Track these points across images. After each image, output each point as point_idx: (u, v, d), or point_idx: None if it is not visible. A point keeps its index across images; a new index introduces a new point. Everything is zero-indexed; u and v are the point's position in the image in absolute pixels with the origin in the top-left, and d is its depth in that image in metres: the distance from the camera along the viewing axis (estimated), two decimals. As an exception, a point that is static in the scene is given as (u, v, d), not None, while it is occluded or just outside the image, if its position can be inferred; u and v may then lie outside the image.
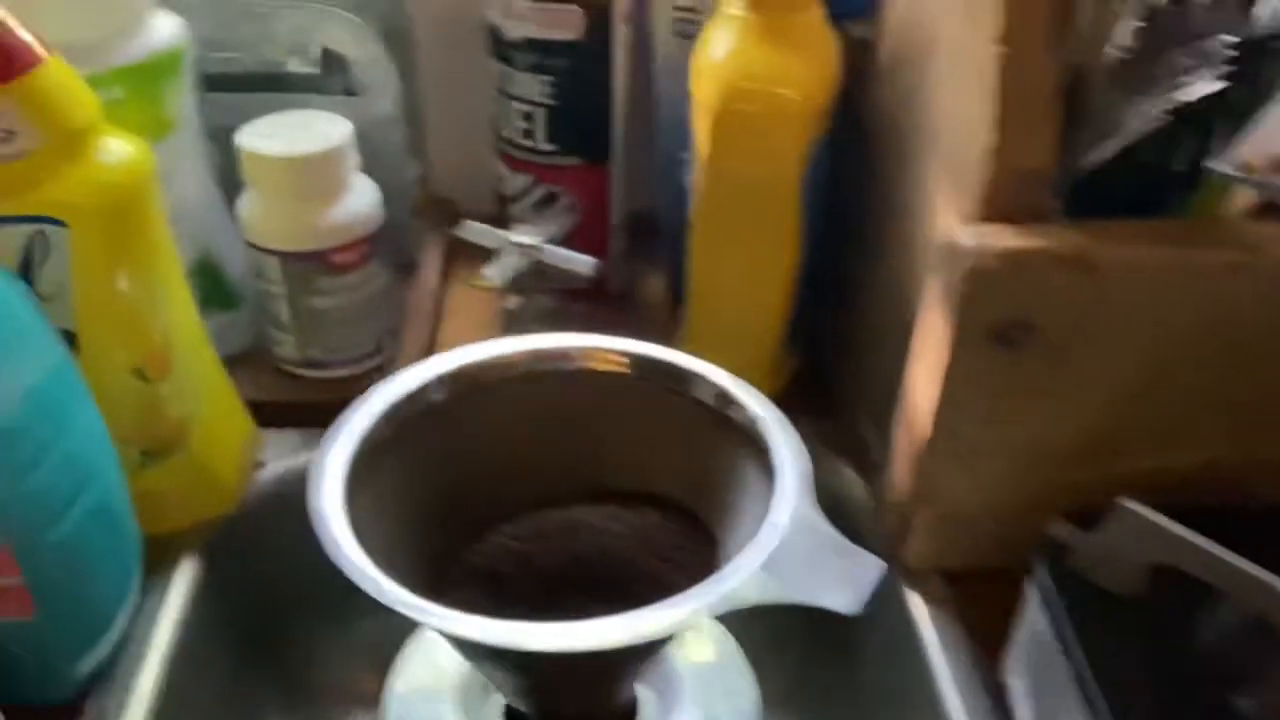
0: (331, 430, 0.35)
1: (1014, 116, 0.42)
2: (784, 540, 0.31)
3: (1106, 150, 0.42)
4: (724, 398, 0.37)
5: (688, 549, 0.35)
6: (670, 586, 0.34)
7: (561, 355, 0.37)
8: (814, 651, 0.55)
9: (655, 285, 0.71)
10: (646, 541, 0.35)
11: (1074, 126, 0.43)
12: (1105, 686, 0.38)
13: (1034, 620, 0.43)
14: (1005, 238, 0.42)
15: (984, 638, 0.48)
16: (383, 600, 0.30)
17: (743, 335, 0.58)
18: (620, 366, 0.38)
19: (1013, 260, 0.42)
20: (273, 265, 0.56)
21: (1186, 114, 0.41)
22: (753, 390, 0.37)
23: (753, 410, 0.36)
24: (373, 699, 0.61)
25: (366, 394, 0.36)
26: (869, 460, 0.56)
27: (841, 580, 0.30)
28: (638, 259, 0.71)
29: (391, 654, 0.61)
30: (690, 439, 0.37)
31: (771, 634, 0.48)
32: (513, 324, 0.60)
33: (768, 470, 0.35)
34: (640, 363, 0.38)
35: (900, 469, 0.50)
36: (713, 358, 0.41)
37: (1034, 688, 0.43)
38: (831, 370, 0.63)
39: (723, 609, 0.30)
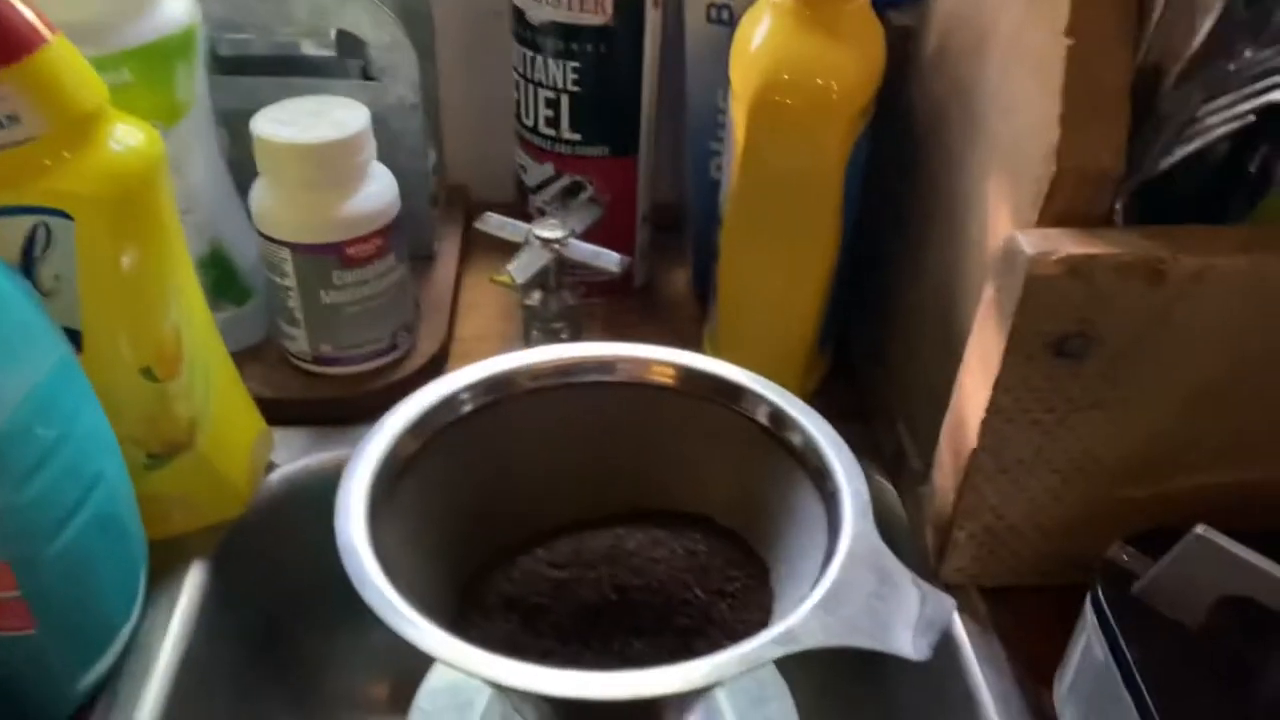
0: (358, 447, 0.32)
1: (1080, 114, 0.40)
2: (846, 574, 0.29)
3: (1180, 151, 0.40)
4: (777, 416, 0.35)
5: (738, 580, 0.33)
6: (720, 621, 0.32)
7: (603, 365, 0.35)
8: (843, 666, 0.53)
9: (679, 281, 0.69)
10: (693, 570, 0.33)
11: (1143, 126, 0.41)
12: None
13: (1090, 646, 0.40)
14: (1067, 243, 0.40)
15: (1026, 658, 0.46)
16: (413, 642, 0.28)
17: (775, 335, 0.55)
18: (666, 379, 0.36)
19: (1075, 268, 0.40)
20: (285, 257, 0.53)
21: (1267, 114, 0.38)
22: (807, 408, 0.35)
23: (808, 431, 0.34)
24: (385, 707, 0.59)
25: (395, 406, 0.34)
26: (904, 469, 0.54)
27: (909, 620, 0.28)
28: (661, 253, 0.68)
29: (405, 662, 0.59)
30: (739, 458, 0.35)
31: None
32: (534, 321, 0.58)
33: (823, 494, 0.32)
34: (688, 375, 0.36)
35: (943, 480, 0.48)
36: (743, 358, 0.39)
37: (1087, 714, 0.41)
38: (863, 374, 0.61)
39: (781, 654, 0.27)
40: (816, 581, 0.30)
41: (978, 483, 0.45)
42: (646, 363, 0.35)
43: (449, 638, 0.27)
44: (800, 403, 0.35)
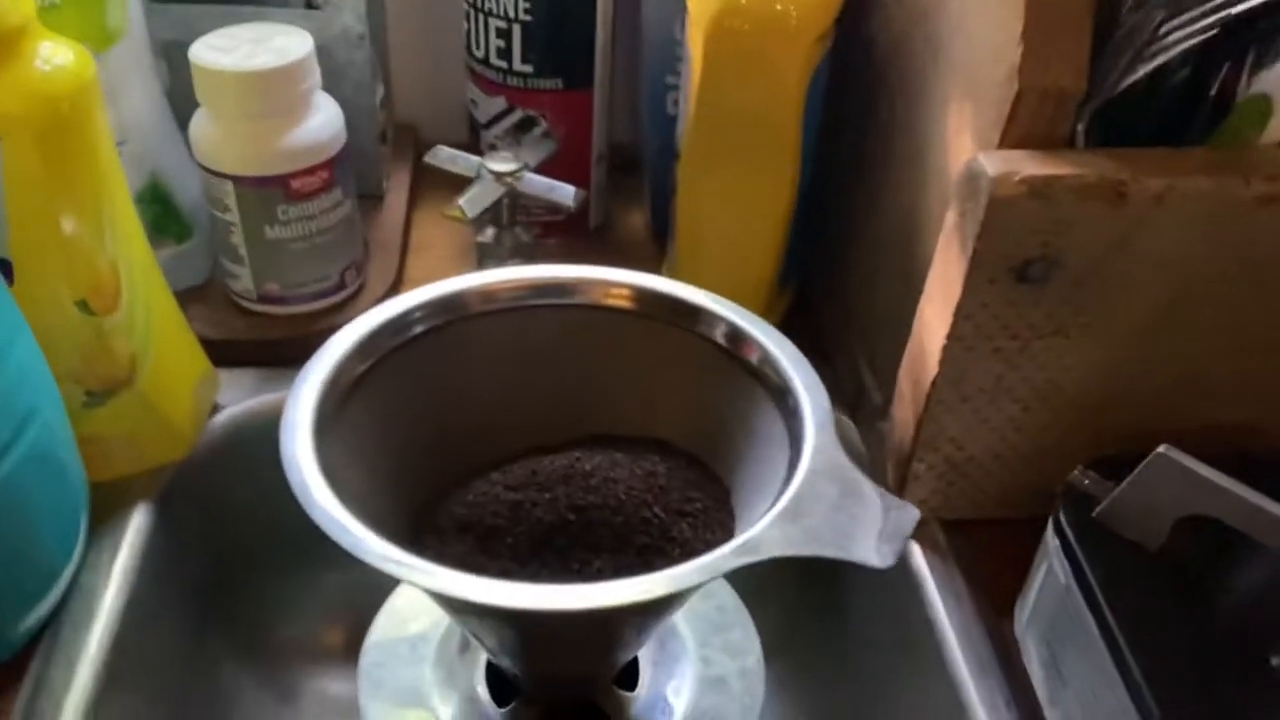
0: (305, 367, 0.31)
1: (1042, 33, 0.39)
2: (809, 487, 0.28)
3: (1142, 69, 0.39)
4: (735, 335, 0.34)
5: (698, 500, 0.32)
6: (680, 540, 0.31)
7: (558, 287, 0.34)
8: (802, 600, 0.52)
9: (636, 222, 0.67)
10: (652, 490, 0.32)
11: (1105, 45, 0.40)
12: (1134, 643, 0.36)
13: (1053, 572, 0.40)
14: (1029, 164, 0.39)
15: (987, 590, 0.46)
16: (360, 555, 0.26)
17: (735, 272, 0.54)
18: (622, 300, 0.35)
19: (1037, 189, 0.39)
20: (228, 191, 0.51)
21: (1231, 31, 0.38)
22: (764, 324, 0.34)
23: (766, 347, 0.33)
24: (337, 653, 0.58)
25: (345, 327, 0.32)
26: (864, 404, 0.53)
27: (873, 530, 0.27)
28: (617, 194, 0.67)
29: (358, 606, 0.58)
30: (697, 379, 0.34)
31: (758, 582, 0.45)
32: (487, 259, 0.56)
33: (784, 411, 0.32)
34: (643, 297, 0.35)
35: (902, 412, 0.47)
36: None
37: (1050, 641, 0.41)
38: (822, 310, 0.60)
39: (741, 563, 0.26)
40: (778, 495, 0.29)
41: (938, 414, 0.45)
42: (602, 284, 0.34)
43: (400, 552, 0.26)
44: (759, 320, 0.34)
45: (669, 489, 0.32)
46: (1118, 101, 0.41)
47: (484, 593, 0.25)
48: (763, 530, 0.27)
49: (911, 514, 0.28)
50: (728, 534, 0.32)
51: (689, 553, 0.31)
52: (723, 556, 0.26)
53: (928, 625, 0.45)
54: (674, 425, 0.35)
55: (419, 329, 0.33)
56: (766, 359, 0.33)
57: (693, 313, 0.34)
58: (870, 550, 0.27)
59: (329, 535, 0.26)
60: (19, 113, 0.38)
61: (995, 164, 0.39)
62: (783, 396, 0.32)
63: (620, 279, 0.35)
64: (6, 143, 0.38)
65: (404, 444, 0.33)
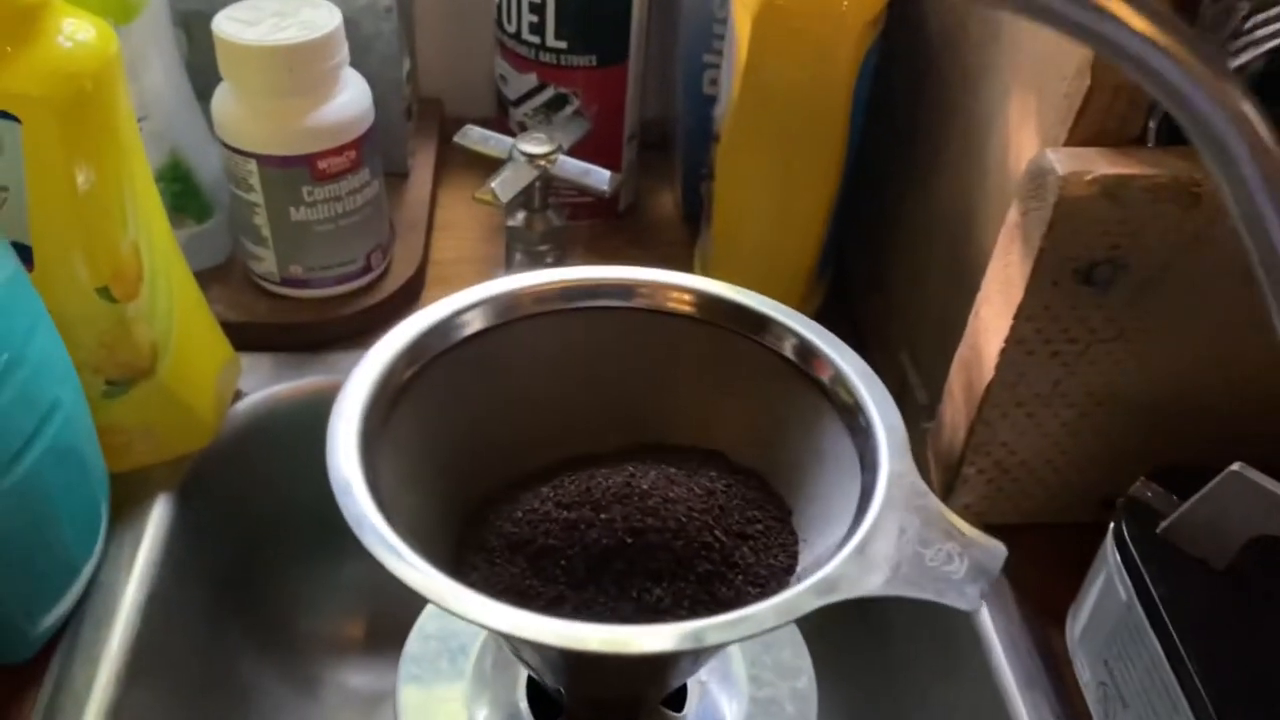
0: (350, 373, 0.29)
1: (1119, 23, 0.37)
2: (887, 519, 0.27)
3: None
4: (805, 349, 0.32)
5: (759, 521, 0.31)
6: (743, 566, 0.30)
7: (616, 289, 0.32)
8: (842, 610, 0.51)
9: (665, 202, 0.65)
10: (711, 511, 0.30)
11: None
12: (1203, 668, 0.34)
13: (1112, 586, 0.39)
14: (1101, 163, 0.38)
15: (1034, 599, 0.45)
16: (413, 587, 0.25)
17: (773, 260, 0.53)
18: (684, 306, 0.33)
19: (1110, 189, 0.37)
20: (251, 170, 0.49)
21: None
22: (834, 339, 0.32)
23: (838, 364, 0.31)
24: (358, 646, 0.56)
25: (391, 331, 0.31)
26: (908, 402, 0.52)
27: (957, 567, 0.26)
28: (646, 173, 0.65)
29: (379, 599, 0.57)
30: (759, 392, 0.32)
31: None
32: (517, 243, 0.54)
33: (854, 431, 0.30)
34: (707, 302, 0.33)
35: (953, 415, 0.46)
36: (738, 283, 0.36)
37: (1107, 659, 0.39)
38: (861, 302, 0.59)
39: (821, 604, 0.25)
40: (853, 525, 0.27)
41: (991, 417, 0.43)
42: (664, 288, 0.32)
43: (460, 588, 0.25)
44: (828, 334, 0.32)
45: (729, 509, 0.30)
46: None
47: (566, 637, 0.24)
48: (841, 567, 0.25)
49: (998, 552, 0.27)
50: (790, 557, 0.30)
51: (751, 579, 0.29)
52: (799, 596, 0.25)
53: (973, 635, 0.44)
54: (732, 438, 0.33)
55: (467, 331, 0.32)
56: (838, 377, 0.31)
57: (760, 322, 0.33)
58: (957, 591, 0.25)
59: (384, 565, 0.25)
60: (40, 93, 0.36)
61: (1065, 162, 0.38)
62: (853, 416, 0.30)
63: (683, 283, 0.33)
64: (27, 124, 0.37)
65: (450, 454, 0.31)
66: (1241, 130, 0.23)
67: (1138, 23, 0.24)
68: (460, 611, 0.24)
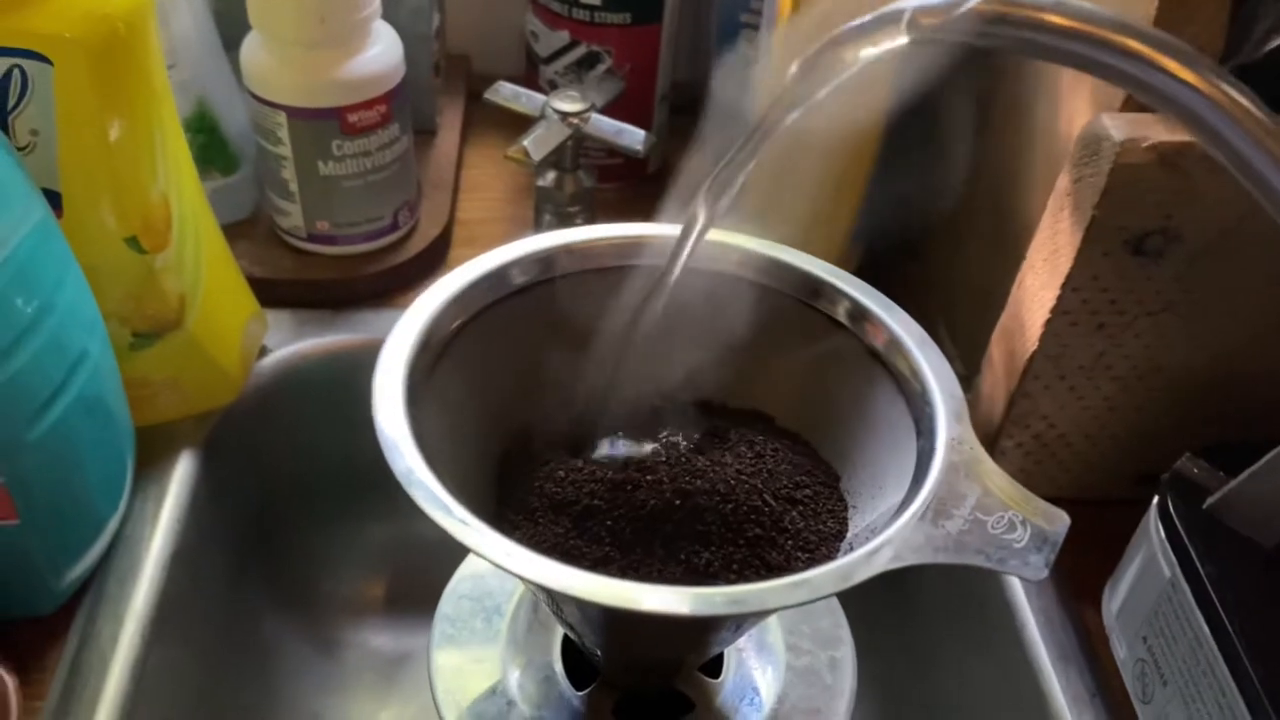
0: (399, 323, 0.29)
1: (1180, -16, 0.36)
2: (948, 485, 0.26)
3: (1290, 31, 0.36)
4: (858, 312, 0.31)
5: (808, 486, 0.30)
6: (793, 531, 0.29)
7: (664, 248, 0.31)
8: (875, 581, 0.50)
9: (695, 163, 0.64)
10: (759, 474, 0.29)
11: (1245, 4, 0.37)
12: (1252, 648, 0.33)
13: (1155, 563, 0.38)
14: (1159, 129, 0.37)
15: (1070, 574, 0.44)
16: (464, 541, 0.24)
17: (809, 223, 0.51)
18: (732, 266, 0.32)
19: (1168, 157, 0.36)
20: (280, 123, 0.48)
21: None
22: (889, 303, 0.31)
23: (893, 329, 0.30)
24: (379, 607, 0.56)
25: (439, 281, 0.30)
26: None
27: (1020, 536, 0.25)
28: (675, 133, 0.64)
29: (400, 559, 0.56)
30: (810, 355, 0.31)
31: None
32: (546, 203, 0.53)
33: (909, 398, 0.29)
34: (762, 264, 0.32)
35: (992, 385, 0.45)
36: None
37: (1147, 636, 0.39)
38: (893, 270, 0.58)
39: (881, 570, 0.24)
40: (910, 491, 0.27)
41: (1033, 390, 0.43)
42: (713, 246, 0.31)
43: (514, 545, 0.24)
44: (882, 297, 0.32)
45: (776, 473, 0.30)
46: (1255, 66, 0.38)
47: (618, 597, 0.23)
48: (902, 532, 0.25)
49: (1062, 521, 0.26)
50: (840, 523, 0.30)
51: (801, 544, 0.29)
52: (860, 561, 0.24)
53: (1007, 609, 0.44)
54: (780, 402, 0.32)
55: (514, 285, 0.31)
56: (893, 342, 0.30)
57: (812, 284, 0.32)
58: (1021, 560, 0.25)
59: (432, 517, 0.24)
60: (73, 35, 0.35)
61: (1122, 128, 0.37)
62: (908, 382, 0.29)
63: (733, 242, 0.32)
64: (59, 67, 0.36)
65: (494, 410, 0.30)
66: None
67: (1188, 75, 0.23)
68: (516, 569, 0.23)
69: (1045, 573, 0.25)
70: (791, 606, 0.25)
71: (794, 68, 0.28)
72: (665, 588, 0.24)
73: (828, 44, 0.28)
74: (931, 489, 0.26)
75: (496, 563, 0.23)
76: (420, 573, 0.44)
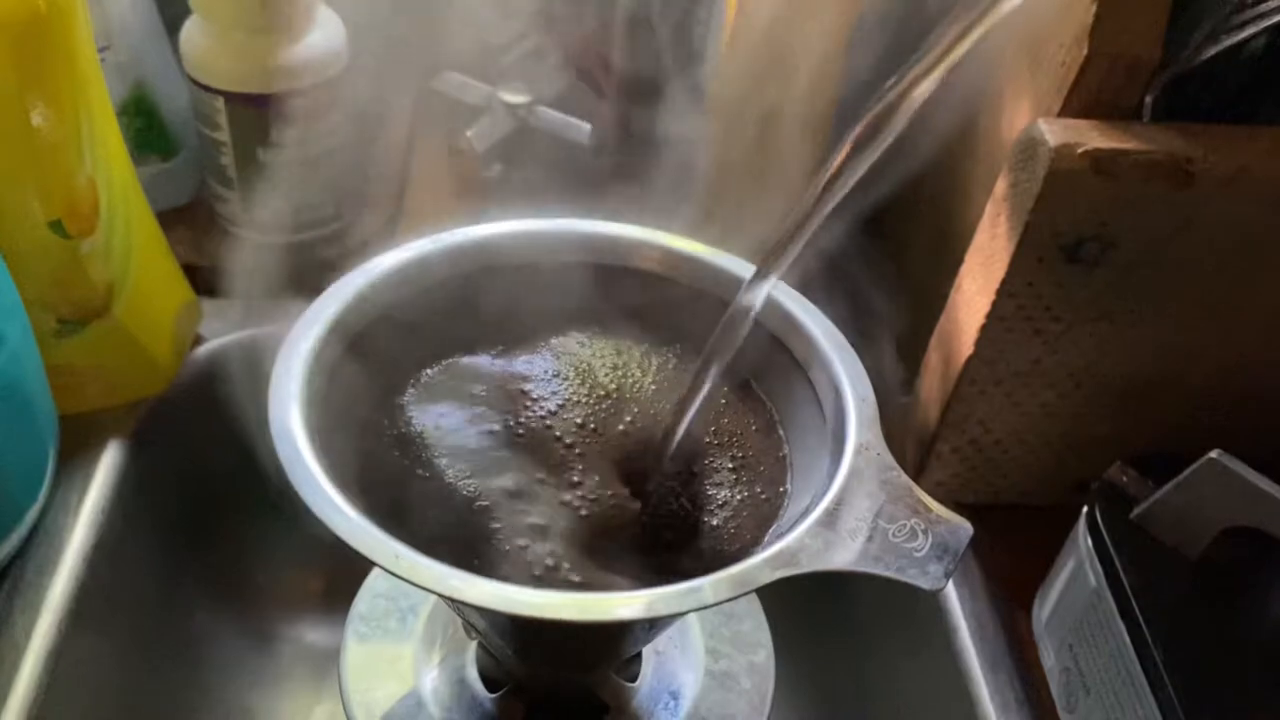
0: (304, 313, 0.28)
1: (1119, -8, 0.36)
2: (852, 492, 0.26)
3: (1226, 41, 0.36)
4: (785, 318, 0.31)
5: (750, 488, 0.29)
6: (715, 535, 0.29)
7: (608, 247, 0.30)
8: (804, 583, 0.50)
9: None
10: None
11: (1183, 12, 0.37)
12: (1170, 658, 0.33)
13: (1082, 571, 0.38)
14: (1094, 136, 0.36)
15: (1002, 579, 0.44)
16: (364, 554, 0.24)
17: (765, 217, 0.51)
18: (654, 265, 0.32)
19: (1102, 164, 0.36)
20: (219, 108, 0.48)
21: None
22: (809, 306, 0.31)
23: (812, 335, 0.30)
24: (315, 601, 0.55)
25: (350, 272, 0.29)
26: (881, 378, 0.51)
27: (921, 544, 0.25)
28: (623, 125, 0.63)
29: (337, 554, 0.55)
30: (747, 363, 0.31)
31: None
32: (493, 194, 0.53)
33: (823, 402, 0.29)
34: (679, 262, 0.32)
35: (929, 391, 0.45)
36: (731, 241, 0.35)
37: (1073, 644, 0.39)
38: (841, 270, 0.57)
39: (779, 576, 0.24)
40: (816, 497, 0.26)
41: (968, 395, 0.42)
42: (638, 245, 0.31)
43: (407, 550, 0.23)
44: (803, 300, 0.31)
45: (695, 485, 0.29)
46: (1191, 74, 0.37)
47: (501, 600, 0.23)
48: (802, 538, 0.24)
49: (964, 530, 0.26)
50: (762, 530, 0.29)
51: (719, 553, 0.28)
52: (757, 568, 0.24)
53: (939, 614, 0.43)
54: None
55: (432, 279, 0.30)
56: (812, 347, 0.30)
57: (736, 285, 0.31)
58: (919, 569, 0.24)
59: (332, 530, 0.24)
60: (-10, 13, 0.34)
61: (1057, 133, 0.36)
62: (825, 388, 0.29)
63: (668, 245, 0.32)
64: (-24, 46, 0.35)
65: (401, 405, 0.30)
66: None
67: None
68: (389, 565, 0.23)
69: (945, 583, 0.25)
70: (683, 614, 0.24)
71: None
72: (549, 592, 0.24)
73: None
74: (834, 496, 0.25)
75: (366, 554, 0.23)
76: (357, 566, 0.43)
